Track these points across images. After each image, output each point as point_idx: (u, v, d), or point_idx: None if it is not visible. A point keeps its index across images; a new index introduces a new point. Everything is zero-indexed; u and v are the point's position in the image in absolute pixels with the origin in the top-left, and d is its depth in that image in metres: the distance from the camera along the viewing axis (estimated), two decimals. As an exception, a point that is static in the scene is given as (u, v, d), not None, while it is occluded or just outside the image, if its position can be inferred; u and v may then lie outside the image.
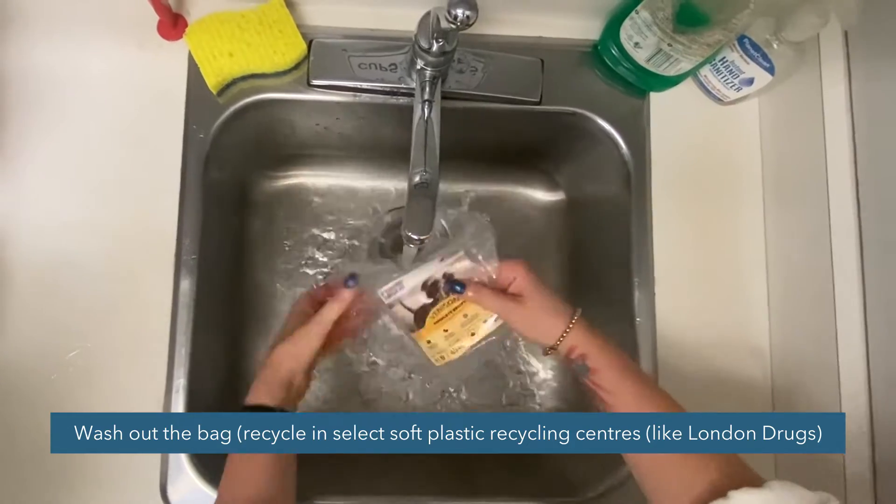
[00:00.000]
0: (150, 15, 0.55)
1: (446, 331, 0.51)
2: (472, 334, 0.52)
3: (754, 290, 0.60)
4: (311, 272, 0.70)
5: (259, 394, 0.47)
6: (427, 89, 0.52)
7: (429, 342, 0.52)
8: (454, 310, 0.51)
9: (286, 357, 0.48)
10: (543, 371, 0.71)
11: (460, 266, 0.50)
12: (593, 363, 0.46)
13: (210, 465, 0.53)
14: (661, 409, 0.45)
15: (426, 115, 0.51)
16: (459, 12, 0.41)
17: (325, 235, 0.71)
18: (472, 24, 0.42)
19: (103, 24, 0.57)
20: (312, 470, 0.48)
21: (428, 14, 0.47)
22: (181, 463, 0.52)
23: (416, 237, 0.47)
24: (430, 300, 0.51)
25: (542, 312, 0.48)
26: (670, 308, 0.59)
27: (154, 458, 0.52)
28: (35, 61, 0.56)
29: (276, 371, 0.47)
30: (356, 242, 0.71)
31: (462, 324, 0.51)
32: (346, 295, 0.49)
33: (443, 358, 0.52)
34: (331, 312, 0.49)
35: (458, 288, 0.49)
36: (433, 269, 0.51)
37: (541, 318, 0.48)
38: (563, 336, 0.47)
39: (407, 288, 0.51)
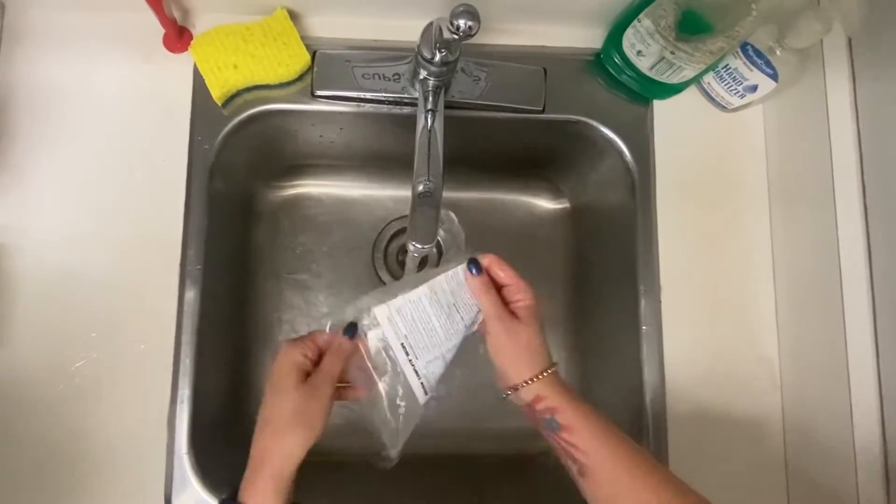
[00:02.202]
0: (155, 28, 0.56)
1: None
2: None
3: (762, 297, 0.60)
4: (315, 281, 0.70)
5: (256, 499, 0.40)
6: (430, 99, 0.52)
7: None
8: None
9: (290, 447, 0.41)
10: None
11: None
12: (565, 420, 0.42)
13: (215, 476, 0.53)
14: (651, 474, 0.40)
15: (429, 124, 0.51)
16: (462, 23, 0.41)
17: (330, 245, 0.71)
18: (475, 34, 0.42)
19: (109, 38, 0.57)
20: (314, 483, 0.48)
21: (430, 25, 0.48)
22: (186, 474, 0.52)
23: (420, 246, 0.47)
24: None
25: (528, 343, 0.44)
26: (676, 317, 0.58)
27: (159, 469, 0.52)
28: (42, 75, 0.57)
29: (276, 465, 0.40)
30: (362, 255, 0.71)
31: None
32: (347, 345, 0.44)
33: None
34: (330, 367, 0.43)
35: (473, 269, 0.46)
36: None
37: (523, 347, 0.44)
38: (530, 381, 0.43)
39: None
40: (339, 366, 0.43)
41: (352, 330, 0.45)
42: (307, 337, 0.45)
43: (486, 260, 0.47)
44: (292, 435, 0.41)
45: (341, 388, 0.45)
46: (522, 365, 0.44)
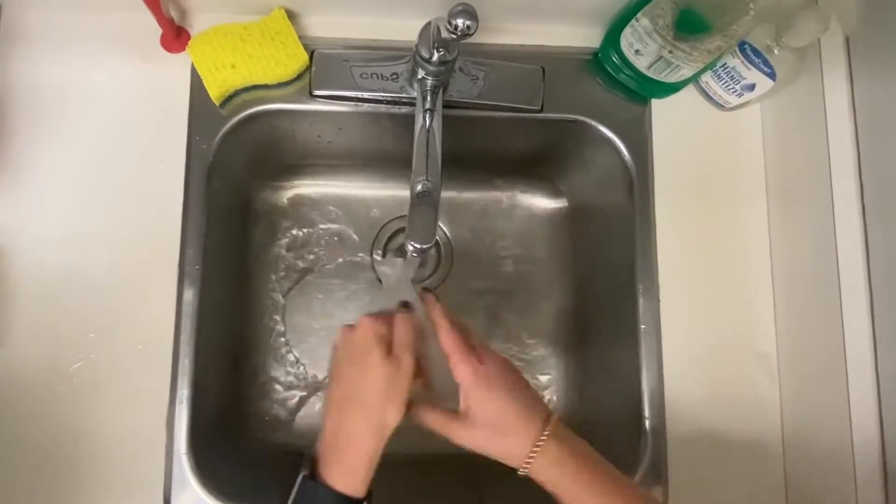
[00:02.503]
0: (153, 28, 0.56)
1: None
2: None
3: (760, 296, 0.60)
4: (314, 281, 0.70)
5: (344, 479, 0.39)
6: (428, 98, 0.52)
7: None
8: None
9: (385, 424, 0.39)
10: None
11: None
12: (570, 499, 0.40)
13: (214, 477, 0.53)
14: None
15: (427, 124, 0.51)
16: (460, 22, 0.41)
17: (328, 244, 0.71)
18: (473, 33, 0.42)
19: (107, 38, 0.57)
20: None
21: (428, 24, 0.48)
22: (185, 475, 0.52)
23: (419, 246, 0.47)
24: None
25: (493, 432, 0.41)
26: (675, 315, 0.58)
27: (158, 470, 0.52)
28: (39, 75, 0.57)
29: (369, 445, 0.39)
30: (360, 255, 0.71)
31: None
32: (411, 317, 0.43)
33: None
34: (407, 338, 0.42)
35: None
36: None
37: (493, 439, 0.41)
38: (527, 461, 0.40)
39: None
40: (413, 336, 0.42)
41: (408, 306, 0.45)
42: (381, 312, 0.45)
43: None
44: (387, 411, 0.39)
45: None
46: (509, 449, 0.41)
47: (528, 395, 0.43)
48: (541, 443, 0.40)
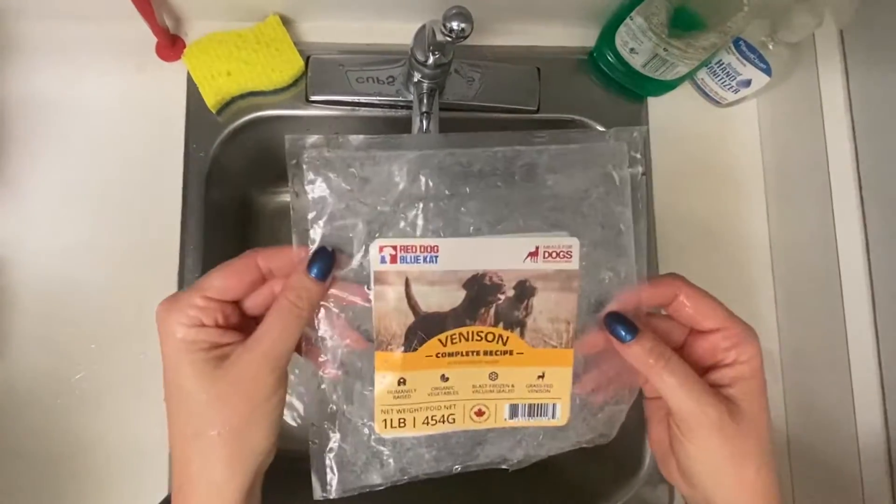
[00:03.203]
0: (148, 37, 0.56)
1: (445, 378, 0.28)
2: (480, 414, 0.29)
3: (761, 292, 0.60)
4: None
5: None
6: (425, 101, 0.52)
7: (400, 381, 0.28)
8: (486, 353, 0.28)
9: (215, 484, 0.26)
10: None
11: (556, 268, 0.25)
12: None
13: (218, 485, 0.53)
14: None
15: (424, 126, 0.51)
16: (455, 25, 0.41)
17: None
18: (468, 36, 0.42)
19: (102, 48, 0.57)
20: (307, 483, 0.47)
21: (423, 27, 0.48)
22: (189, 483, 0.52)
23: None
24: (464, 306, 0.28)
25: (753, 459, 0.26)
26: (676, 312, 0.58)
27: (161, 480, 0.52)
28: (35, 87, 0.57)
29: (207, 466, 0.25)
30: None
31: (479, 385, 0.28)
32: (314, 292, 0.25)
33: (392, 424, 0.29)
34: (286, 341, 0.25)
35: (622, 332, 0.27)
36: (510, 250, 0.27)
37: (745, 467, 0.26)
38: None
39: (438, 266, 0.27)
40: (292, 335, 0.25)
41: (325, 261, 0.24)
42: (224, 272, 0.25)
43: (665, 288, 0.27)
44: (214, 468, 0.26)
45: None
46: (742, 481, 0.26)
47: None
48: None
